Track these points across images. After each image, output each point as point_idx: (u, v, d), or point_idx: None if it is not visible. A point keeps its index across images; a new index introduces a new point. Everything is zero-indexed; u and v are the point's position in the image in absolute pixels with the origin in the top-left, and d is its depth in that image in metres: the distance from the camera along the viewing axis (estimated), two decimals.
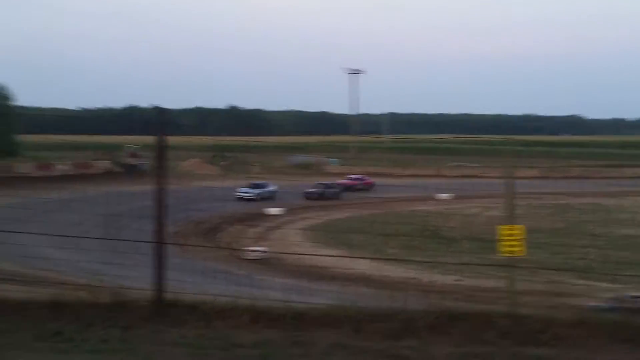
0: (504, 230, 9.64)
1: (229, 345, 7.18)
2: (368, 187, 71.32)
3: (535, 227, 36.92)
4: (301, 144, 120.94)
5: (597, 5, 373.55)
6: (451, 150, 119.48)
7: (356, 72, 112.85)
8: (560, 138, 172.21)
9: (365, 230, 40.28)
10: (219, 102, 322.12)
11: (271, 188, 61.59)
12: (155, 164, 8.64)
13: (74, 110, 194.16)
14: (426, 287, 24.80)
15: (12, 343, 7.18)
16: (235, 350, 7.07)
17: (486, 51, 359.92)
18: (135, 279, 10.40)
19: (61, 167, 75.02)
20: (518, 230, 9.60)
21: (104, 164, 79.84)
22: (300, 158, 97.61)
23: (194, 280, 10.65)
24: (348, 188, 67.74)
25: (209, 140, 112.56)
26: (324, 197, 61.16)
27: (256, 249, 35.35)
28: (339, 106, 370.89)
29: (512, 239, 9.60)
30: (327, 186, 64.12)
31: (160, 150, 8.54)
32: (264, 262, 33.09)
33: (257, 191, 60.21)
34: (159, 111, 8.68)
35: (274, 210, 51.86)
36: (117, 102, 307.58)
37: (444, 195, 63.37)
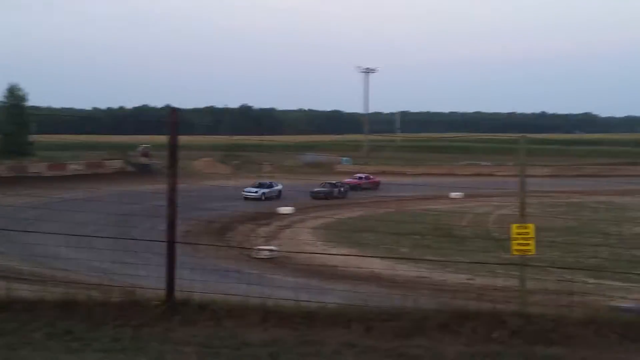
0: (515, 228, 9.63)
1: (239, 344, 7.19)
2: (374, 186, 71.09)
3: (547, 226, 36.81)
4: (313, 143, 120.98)
5: (610, 4, 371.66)
6: (463, 149, 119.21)
7: (368, 70, 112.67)
8: (574, 136, 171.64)
9: (376, 229, 40.28)
10: (231, 101, 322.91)
11: (277, 187, 61.57)
12: (167, 164, 8.66)
13: (86, 110, 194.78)
14: (437, 286, 24.74)
15: (24, 342, 7.21)
16: (246, 350, 7.08)
17: (499, 50, 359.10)
18: (146, 278, 10.44)
19: (74, 167, 75.41)
20: (530, 228, 9.59)
21: (116, 164, 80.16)
22: (311, 157, 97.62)
23: (204, 279, 10.67)
24: (354, 187, 67.55)
25: (221, 139, 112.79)
26: (330, 196, 60.99)
27: (267, 248, 35.41)
28: (351, 105, 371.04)
29: (523, 238, 9.59)
30: (334, 185, 63.93)
31: (172, 150, 8.56)
32: (274, 261, 33.15)
33: (263, 190, 60.22)
34: (171, 110, 8.69)
35: (284, 209, 51.92)
36: (130, 101, 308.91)
37: (456, 194, 63.26)
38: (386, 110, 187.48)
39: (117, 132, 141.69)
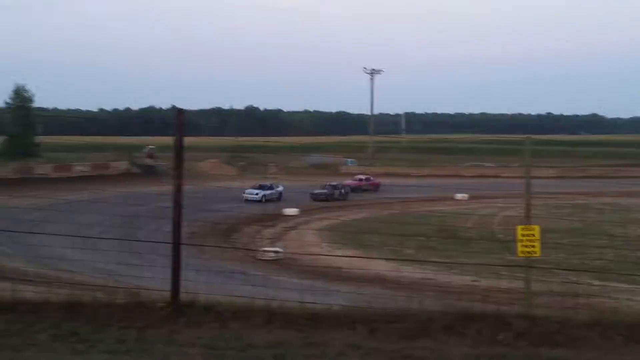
0: (521, 230, 9.61)
1: (244, 346, 7.21)
2: (374, 188, 70.71)
3: (552, 227, 36.76)
4: (318, 144, 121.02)
5: (616, 4, 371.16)
6: (468, 150, 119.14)
7: (374, 71, 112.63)
8: (580, 137, 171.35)
9: (381, 230, 40.26)
10: (237, 102, 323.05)
11: (278, 189, 61.32)
12: (172, 165, 8.67)
13: (92, 111, 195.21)
14: (442, 288, 24.72)
15: (29, 343, 7.23)
16: (251, 351, 7.09)
17: (505, 51, 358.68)
18: (151, 280, 10.45)
19: (79, 168, 75.53)
20: (535, 230, 9.58)
21: (122, 165, 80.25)
22: (317, 158, 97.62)
23: (209, 281, 10.69)
24: (354, 189, 67.19)
25: (226, 140, 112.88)
26: (331, 198, 60.68)
27: (272, 250, 35.42)
28: (356, 106, 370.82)
29: (529, 239, 9.57)
30: (334, 187, 63.63)
31: (178, 151, 8.56)
32: (279, 263, 33.15)
33: (263, 192, 59.97)
34: (177, 112, 8.70)
35: (290, 211, 51.93)
36: (135, 103, 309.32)
37: (461, 195, 63.19)
38: (392, 111, 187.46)
39: (122, 133, 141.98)
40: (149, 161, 79.91)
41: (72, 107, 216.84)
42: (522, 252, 9.64)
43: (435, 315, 7.91)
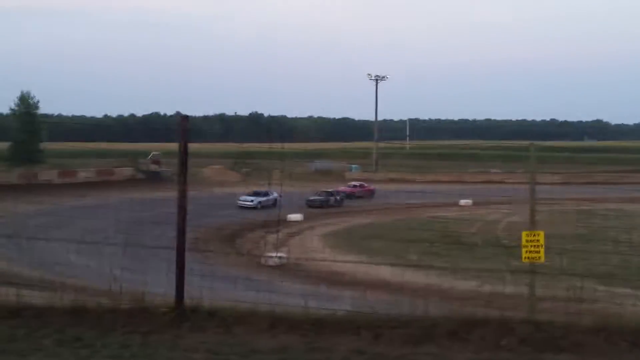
0: (525, 236, 9.62)
1: (248, 351, 7.21)
2: (369, 194, 70.35)
3: (557, 233, 36.70)
4: (322, 150, 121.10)
5: (622, 12, 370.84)
6: (473, 156, 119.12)
7: (379, 78, 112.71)
8: (584, 143, 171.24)
9: (385, 236, 40.26)
10: (241, 108, 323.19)
11: (273, 196, 60.94)
12: (177, 171, 8.69)
13: (97, 117, 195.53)
14: (446, 293, 24.72)
15: (34, 348, 7.25)
16: (255, 356, 7.10)
17: (510, 57, 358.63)
18: (155, 285, 10.47)
19: (84, 174, 75.74)
20: (540, 236, 9.58)
21: (126, 171, 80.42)
22: (321, 164, 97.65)
23: (213, 286, 10.68)
24: (349, 195, 66.78)
25: (231, 146, 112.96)
26: (326, 205, 60.38)
27: (276, 255, 35.44)
28: (361, 112, 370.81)
29: (533, 245, 9.58)
30: (330, 194, 63.39)
31: (183, 157, 8.58)
32: (283, 268, 33.16)
33: (259, 199, 59.59)
34: (181, 118, 8.72)
35: (294, 217, 51.94)
36: (140, 109, 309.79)
37: (465, 201, 63.17)
38: (396, 117, 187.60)
39: (127, 139, 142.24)
40: (154, 167, 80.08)
41: (77, 113, 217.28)
42: (527, 257, 9.65)
43: (439, 321, 7.90)
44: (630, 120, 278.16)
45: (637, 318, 8.87)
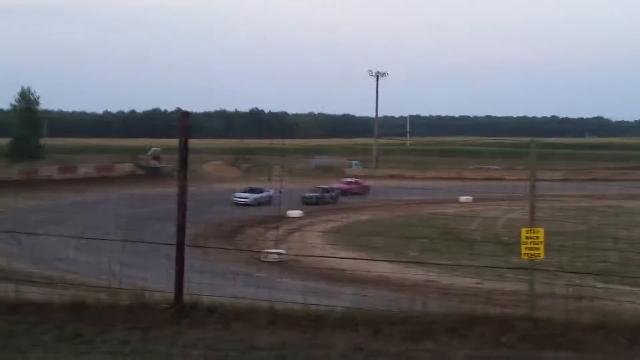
0: (525, 232, 9.62)
1: (247, 347, 7.21)
2: (363, 191, 70.20)
3: (557, 230, 36.77)
4: (323, 146, 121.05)
5: (622, 7, 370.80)
6: (473, 153, 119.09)
7: (379, 74, 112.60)
8: (585, 140, 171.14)
9: (385, 232, 40.25)
10: (242, 105, 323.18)
11: (268, 193, 60.69)
12: (177, 167, 8.69)
13: (97, 113, 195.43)
14: (446, 290, 24.70)
15: (33, 344, 7.25)
16: (254, 353, 7.10)
17: (510, 53, 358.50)
18: (155, 281, 10.47)
19: (84, 170, 75.72)
20: (539, 233, 9.59)
21: (126, 167, 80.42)
22: (321, 160, 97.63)
23: (213, 282, 10.70)
24: (344, 192, 66.59)
25: (231, 143, 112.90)
26: (321, 201, 60.20)
27: (275, 251, 35.44)
28: (361, 109, 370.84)
29: (533, 242, 9.58)
30: (325, 190, 63.24)
31: (183, 153, 8.58)
32: (283, 265, 33.14)
33: (254, 196, 59.31)
34: (182, 114, 8.73)
35: (293, 213, 51.93)
36: (141, 105, 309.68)
37: (465, 198, 63.18)
38: (397, 114, 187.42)
39: (127, 135, 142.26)
40: (154, 163, 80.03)
41: (77, 109, 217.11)
42: (526, 254, 9.66)
43: (439, 318, 7.91)
44: (630, 117, 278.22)
45: (637, 315, 8.89)
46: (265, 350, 7.13)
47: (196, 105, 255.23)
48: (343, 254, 35.80)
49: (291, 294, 10.23)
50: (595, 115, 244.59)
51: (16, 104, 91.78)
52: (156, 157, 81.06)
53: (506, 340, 7.51)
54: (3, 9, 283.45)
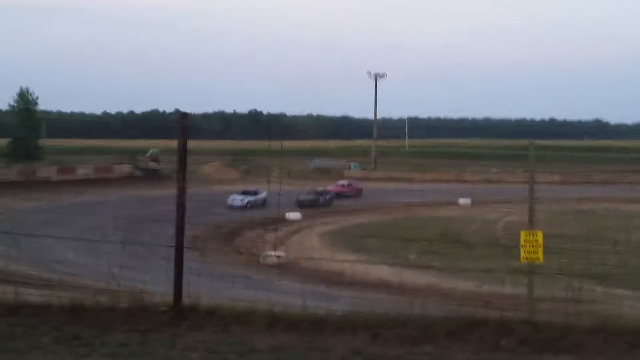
0: (524, 235, 9.62)
1: (246, 350, 7.20)
2: (357, 194, 70.09)
3: (556, 233, 36.74)
4: (322, 148, 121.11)
5: (621, 11, 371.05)
6: (472, 155, 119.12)
7: (378, 76, 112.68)
8: (584, 143, 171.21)
9: (384, 235, 40.25)
10: (241, 106, 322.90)
11: (262, 195, 60.50)
12: (176, 168, 8.68)
13: (96, 114, 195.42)
14: (445, 293, 24.73)
15: (32, 346, 7.24)
16: (253, 355, 7.09)
17: (509, 56, 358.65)
18: (154, 283, 10.46)
19: (83, 171, 75.72)
20: (538, 236, 9.58)
21: (125, 168, 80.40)
22: (320, 162, 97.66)
23: (212, 285, 10.67)
24: (338, 195, 66.46)
25: (230, 144, 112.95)
26: (316, 204, 60.05)
27: (274, 254, 35.45)
28: (360, 110, 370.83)
29: (532, 245, 9.58)
30: (319, 193, 63.16)
31: (182, 155, 8.57)
32: (282, 267, 33.17)
33: (248, 199, 59.07)
34: (180, 115, 8.71)
35: (292, 215, 51.94)
36: (139, 106, 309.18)
37: (464, 200, 63.19)
38: (395, 115, 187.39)
39: (126, 136, 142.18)
40: (152, 164, 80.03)
41: (76, 110, 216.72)
42: (525, 257, 9.65)
43: (438, 321, 7.90)
44: (629, 120, 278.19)
45: (636, 319, 8.88)
46: (265, 353, 7.12)
47: (195, 106, 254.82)
48: (342, 257, 35.81)
49: (290, 296, 10.21)
50: (594, 117, 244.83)
51: (14, 104, 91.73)
52: (155, 159, 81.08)
53: (505, 343, 7.50)
54: (2, 8, 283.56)
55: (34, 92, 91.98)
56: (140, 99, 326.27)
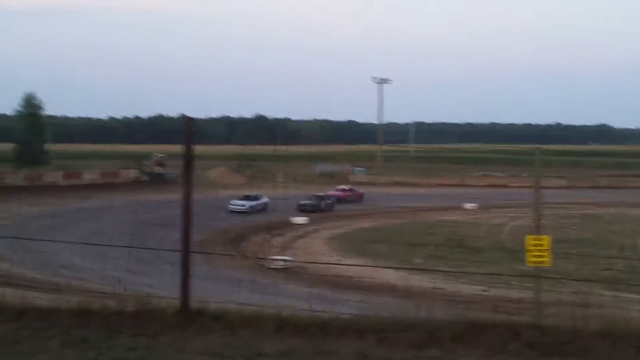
0: (530, 240, 9.59)
1: (253, 354, 7.20)
2: (358, 198, 69.94)
3: (562, 238, 36.70)
4: (327, 153, 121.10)
5: (626, 15, 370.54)
6: (478, 160, 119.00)
7: (383, 81, 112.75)
8: (589, 147, 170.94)
9: (390, 239, 40.18)
10: (246, 111, 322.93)
11: (263, 200, 60.18)
12: (182, 173, 8.69)
13: (101, 119, 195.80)
14: (451, 297, 24.69)
15: (39, 350, 7.25)
16: (260, 359, 7.09)
17: (514, 61, 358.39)
18: (161, 287, 10.47)
19: (89, 176, 75.75)
20: (545, 240, 9.56)
21: (131, 173, 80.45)
22: (325, 167, 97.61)
23: (219, 289, 10.70)
24: (339, 199, 66.31)
25: (235, 149, 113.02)
26: (317, 209, 59.81)
27: (281, 258, 35.43)
28: (365, 115, 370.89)
29: (538, 249, 9.55)
30: (320, 198, 63.03)
31: (187, 159, 8.59)
32: (288, 271, 33.15)
33: (250, 203, 58.80)
34: (186, 120, 8.73)
35: (298, 220, 51.91)
36: (145, 111, 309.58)
37: (470, 205, 63.10)
38: (400, 120, 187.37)
39: (132, 141, 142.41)
40: (158, 169, 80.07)
41: (82, 115, 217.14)
42: (532, 262, 9.63)
43: (444, 325, 7.89)
44: (634, 125, 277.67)
45: None
46: (272, 357, 7.12)
47: (200, 111, 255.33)
48: (348, 261, 35.79)
49: (297, 300, 10.21)
50: (599, 122, 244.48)
51: (20, 109, 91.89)
52: (160, 164, 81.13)
53: (512, 347, 7.49)
54: (8, 13, 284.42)
55: (39, 97, 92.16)
56: (145, 104, 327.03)
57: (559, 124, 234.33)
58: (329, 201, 63.17)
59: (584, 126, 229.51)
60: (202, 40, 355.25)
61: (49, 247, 33.06)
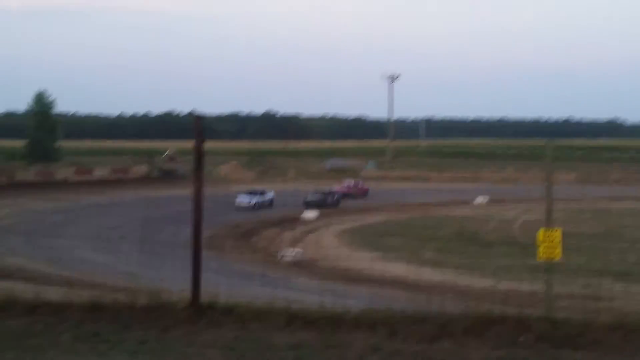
0: (542, 233, 9.56)
1: (264, 347, 7.22)
2: (363, 194, 69.66)
3: (574, 231, 36.55)
4: (337, 149, 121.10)
5: (637, 10, 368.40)
6: (488, 155, 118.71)
7: (393, 76, 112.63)
8: (600, 142, 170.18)
9: (401, 234, 40.18)
10: (256, 107, 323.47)
11: (269, 196, 59.85)
12: (192, 168, 8.72)
13: (112, 116, 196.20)
14: (462, 291, 24.64)
15: (51, 344, 7.28)
16: (271, 353, 7.10)
17: (525, 56, 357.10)
18: (172, 281, 10.51)
19: (100, 173, 75.99)
20: (557, 233, 9.52)
21: (141, 169, 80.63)
22: (336, 162, 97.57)
23: (230, 283, 10.72)
24: (345, 195, 65.91)
25: (245, 145, 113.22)
26: (323, 204, 59.55)
27: (291, 252, 35.46)
28: (375, 111, 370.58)
29: (550, 243, 9.52)
30: (327, 194, 62.80)
31: (198, 156, 8.61)
32: (299, 265, 33.18)
33: (255, 199, 58.45)
34: (196, 117, 8.76)
35: (309, 214, 51.90)
36: (156, 107, 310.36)
37: (481, 200, 62.95)
38: (411, 116, 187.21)
39: (142, 138, 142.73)
40: (169, 165, 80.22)
41: (93, 112, 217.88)
42: (544, 255, 9.60)
43: (456, 318, 7.88)
44: None
45: None
46: (283, 350, 7.13)
47: (210, 107, 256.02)
48: (359, 255, 35.78)
49: (308, 294, 10.23)
50: (610, 117, 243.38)
51: (32, 106, 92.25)
52: (172, 159, 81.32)
53: (524, 340, 7.48)
54: (20, 12, 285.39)
55: (50, 95, 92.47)
56: (156, 100, 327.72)
57: (570, 119, 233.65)
58: (335, 196, 62.94)
59: (595, 121, 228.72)
60: (212, 37, 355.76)
61: (61, 242, 33.22)
